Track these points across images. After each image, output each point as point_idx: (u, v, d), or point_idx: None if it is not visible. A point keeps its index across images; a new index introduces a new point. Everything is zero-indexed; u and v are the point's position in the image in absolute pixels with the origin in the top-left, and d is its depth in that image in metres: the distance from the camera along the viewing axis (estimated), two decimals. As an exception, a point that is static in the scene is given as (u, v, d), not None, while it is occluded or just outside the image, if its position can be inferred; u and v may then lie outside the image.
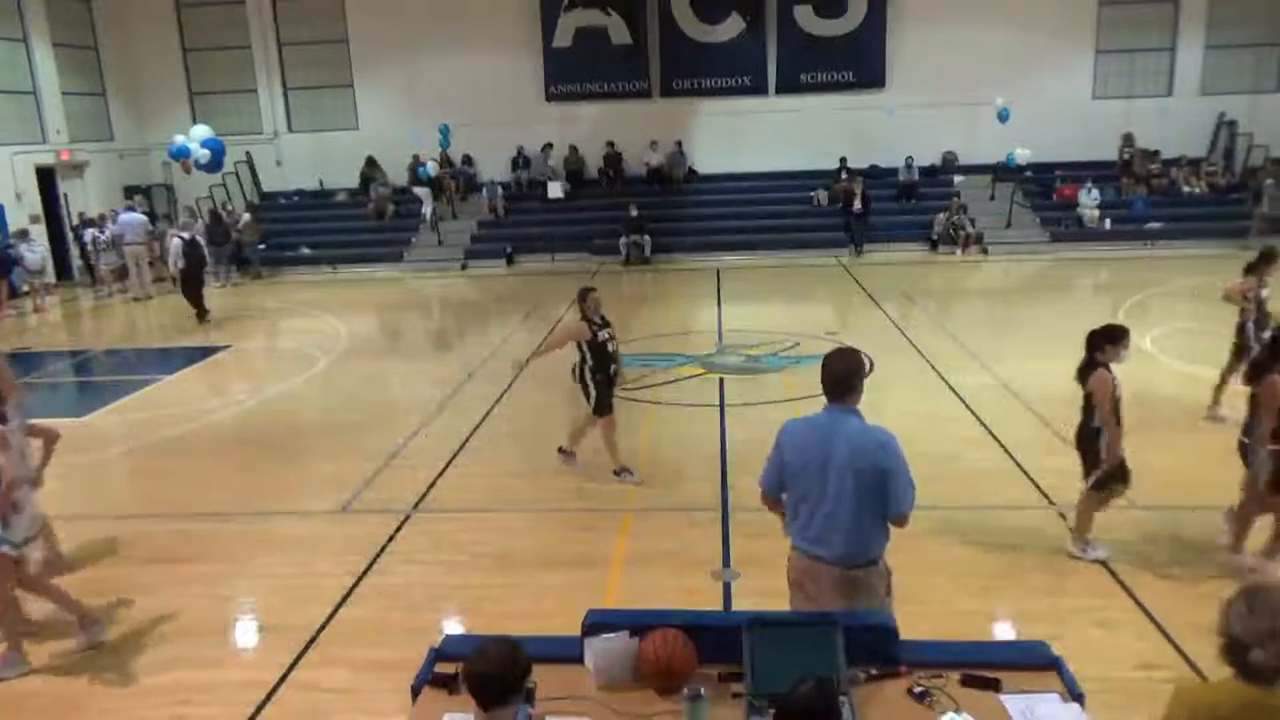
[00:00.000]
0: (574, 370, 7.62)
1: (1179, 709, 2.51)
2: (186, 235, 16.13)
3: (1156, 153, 21.18)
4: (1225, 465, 7.65)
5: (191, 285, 15.79)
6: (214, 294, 19.07)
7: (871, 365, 10.33)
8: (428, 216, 21.34)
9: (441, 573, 6.34)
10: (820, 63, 21.94)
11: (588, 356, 7.51)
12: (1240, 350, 8.47)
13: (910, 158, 21.36)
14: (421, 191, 21.34)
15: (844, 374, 3.77)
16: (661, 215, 21.05)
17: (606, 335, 7.53)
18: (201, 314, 15.70)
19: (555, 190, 22.13)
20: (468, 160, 22.94)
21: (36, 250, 17.86)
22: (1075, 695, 3.13)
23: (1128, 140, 21.28)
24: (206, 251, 16.75)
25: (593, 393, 7.57)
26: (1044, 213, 20.57)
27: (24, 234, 17.76)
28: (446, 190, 22.09)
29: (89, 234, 18.97)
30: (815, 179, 21.83)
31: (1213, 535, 6.22)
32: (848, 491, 3.67)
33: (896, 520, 3.75)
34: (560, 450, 8.08)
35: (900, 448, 3.70)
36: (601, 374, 7.55)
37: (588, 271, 19.25)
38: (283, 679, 5.10)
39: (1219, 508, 6.09)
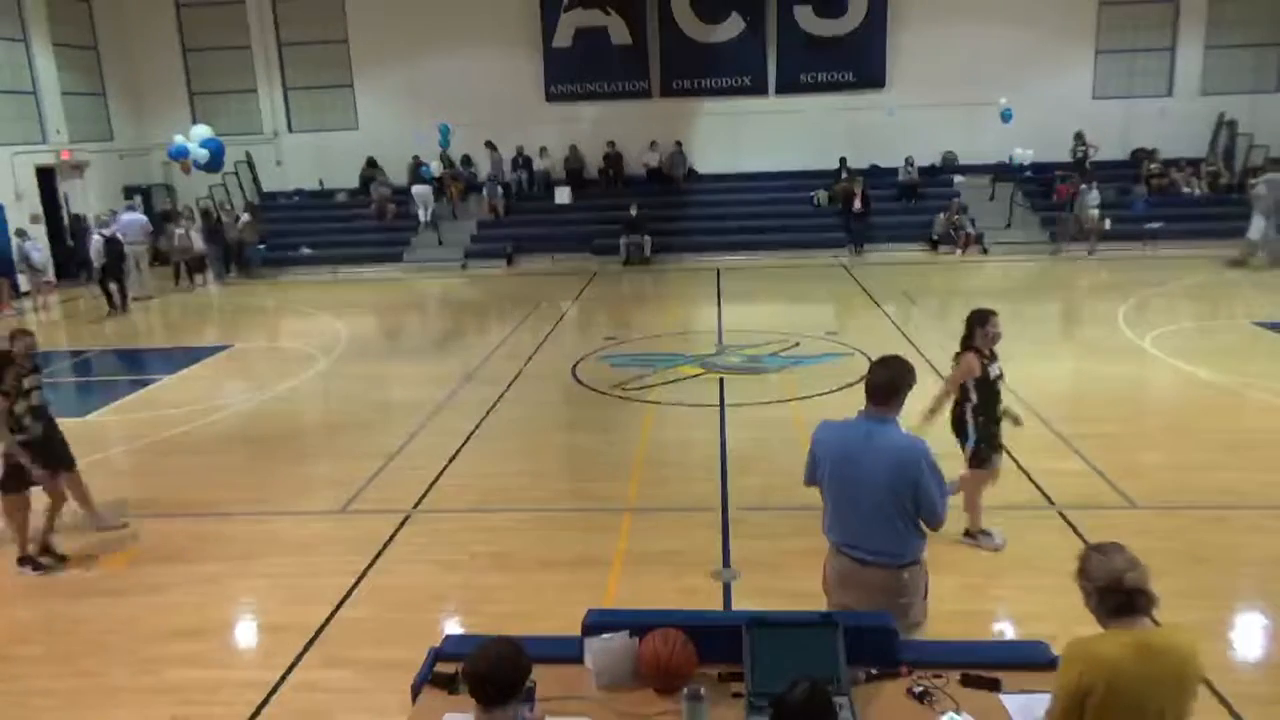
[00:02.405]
0: (952, 412, 6.37)
1: (1070, 666, 2.68)
2: (106, 233, 16.99)
3: (1155, 151, 21.17)
4: (1224, 465, 7.68)
5: (109, 279, 16.68)
6: (209, 293, 19.15)
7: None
8: (425, 219, 21.30)
9: (441, 573, 6.34)
10: (820, 63, 21.93)
11: (972, 395, 6.23)
12: None
13: (910, 158, 21.34)
14: (423, 190, 21.29)
15: (883, 381, 3.78)
16: (661, 215, 21.04)
17: (997, 371, 6.21)
18: (112, 310, 16.59)
19: (563, 196, 22.14)
20: (467, 160, 22.91)
21: (40, 249, 17.92)
22: (1075, 695, 3.13)
23: (1079, 139, 21.03)
24: (127, 249, 17.77)
25: (971, 440, 6.29)
26: (1044, 213, 20.56)
27: (21, 233, 17.76)
28: (448, 190, 22.08)
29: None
30: (815, 179, 21.82)
31: (1210, 535, 6.23)
32: (884, 500, 3.70)
33: (932, 527, 3.79)
34: (969, 534, 6.43)
35: (931, 457, 3.72)
36: (986, 417, 6.24)
37: (588, 271, 19.27)
38: (283, 679, 5.11)
39: (1217, 507, 6.09)
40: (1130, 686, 2.59)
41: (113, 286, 16.76)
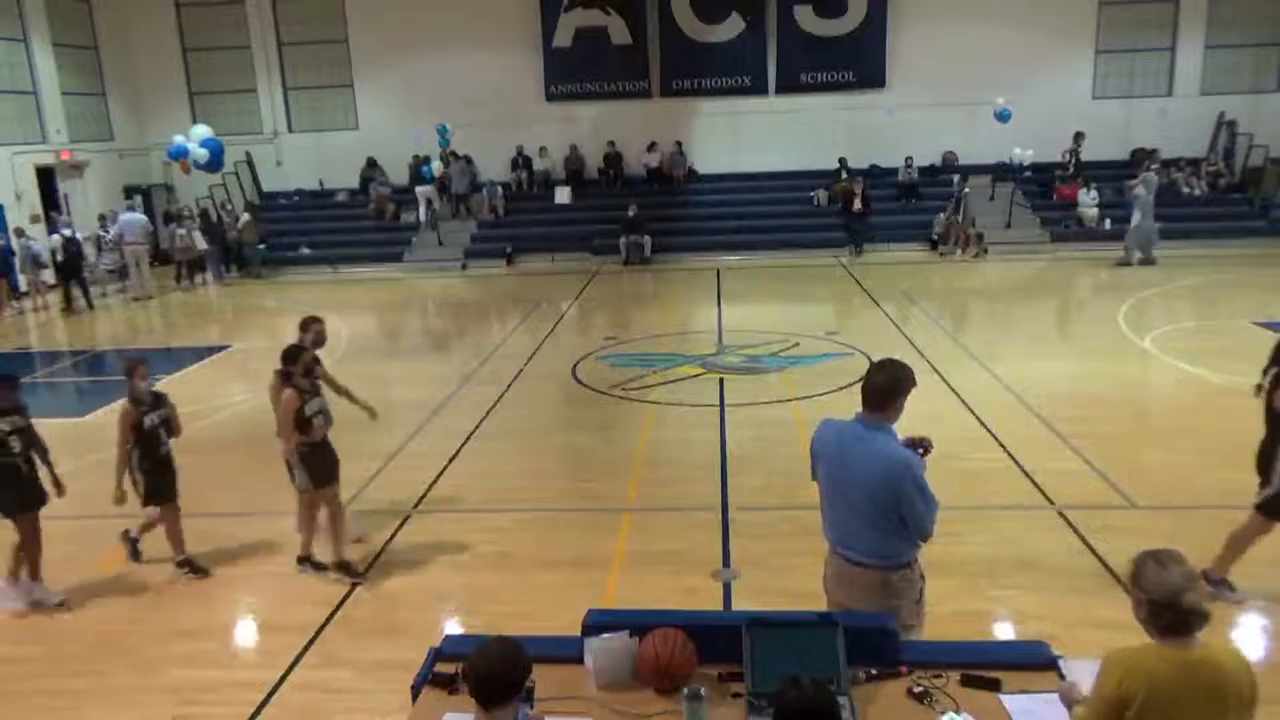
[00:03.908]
0: (1262, 448, 5.52)
1: (1110, 676, 2.64)
2: (67, 232, 17.31)
3: (1155, 151, 21.14)
4: (1224, 465, 7.66)
5: (69, 278, 17.11)
6: (209, 293, 19.14)
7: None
8: (423, 220, 21.29)
9: (441, 573, 6.34)
10: (820, 63, 21.94)
11: None
12: None
13: (910, 158, 21.35)
14: (425, 190, 21.28)
15: (880, 386, 3.73)
16: (661, 215, 21.05)
17: None
18: (66, 309, 16.93)
19: (563, 196, 22.16)
20: (467, 161, 22.87)
21: (44, 248, 17.97)
22: (1075, 695, 3.13)
23: (1077, 139, 20.92)
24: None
25: (1275, 486, 5.39)
26: (1044, 213, 20.56)
27: (20, 233, 17.76)
28: (448, 190, 22.06)
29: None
30: (815, 179, 21.83)
31: (1210, 535, 6.20)
32: (870, 507, 3.70)
33: (920, 539, 3.78)
34: (1206, 578, 5.36)
35: (918, 471, 3.67)
36: None
37: (588, 271, 19.27)
38: (283, 679, 5.11)
39: (1217, 507, 6.09)
40: (1164, 697, 2.55)
41: (76, 289, 16.98)
